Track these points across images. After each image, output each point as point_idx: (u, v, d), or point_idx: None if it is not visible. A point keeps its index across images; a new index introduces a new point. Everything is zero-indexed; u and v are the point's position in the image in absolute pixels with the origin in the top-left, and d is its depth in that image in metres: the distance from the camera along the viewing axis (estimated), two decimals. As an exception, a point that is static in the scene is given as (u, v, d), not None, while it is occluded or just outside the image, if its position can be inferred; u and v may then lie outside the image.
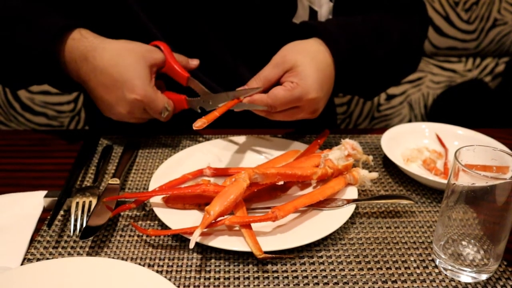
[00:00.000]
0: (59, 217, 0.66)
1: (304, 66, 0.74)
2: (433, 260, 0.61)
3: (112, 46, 0.76)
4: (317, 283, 0.57)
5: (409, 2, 0.95)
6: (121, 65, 0.74)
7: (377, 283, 0.57)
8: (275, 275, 0.58)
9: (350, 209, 0.65)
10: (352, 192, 0.69)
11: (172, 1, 0.83)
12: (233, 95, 0.75)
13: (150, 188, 0.69)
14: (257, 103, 0.73)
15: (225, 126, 0.88)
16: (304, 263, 0.59)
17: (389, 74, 0.93)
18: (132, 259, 0.60)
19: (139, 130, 0.87)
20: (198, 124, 0.66)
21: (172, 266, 0.59)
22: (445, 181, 0.68)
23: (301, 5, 0.86)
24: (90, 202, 0.66)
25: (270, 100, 0.72)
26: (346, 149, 0.72)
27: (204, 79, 0.86)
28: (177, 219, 0.63)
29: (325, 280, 0.57)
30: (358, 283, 0.57)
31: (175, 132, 0.88)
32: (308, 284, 0.56)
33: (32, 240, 0.62)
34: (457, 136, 0.84)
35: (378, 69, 0.87)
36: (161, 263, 0.59)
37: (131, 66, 0.74)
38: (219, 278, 0.57)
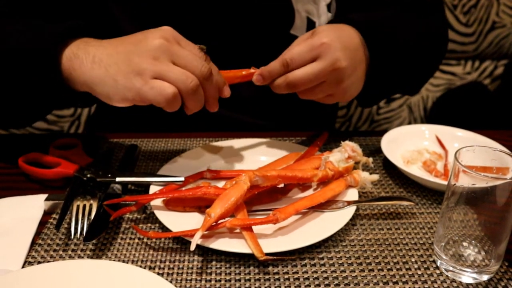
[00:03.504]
0: (60, 220, 0.66)
1: (323, 27, 0.72)
2: (434, 261, 0.61)
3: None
4: (318, 285, 0.57)
5: (424, 2, 0.90)
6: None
7: (378, 284, 0.57)
8: (276, 276, 0.58)
9: (350, 210, 0.65)
10: (352, 194, 0.69)
11: (165, 12, 0.82)
12: None
13: (151, 191, 0.69)
14: (271, 67, 0.69)
15: (225, 129, 0.88)
16: (305, 265, 0.59)
17: (420, 64, 0.87)
18: (133, 261, 0.60)
19: (139, 132, 0.87)
20: None
21: (173, 268, 0.59)
22: (445, 183, 0.68)
23: (299, 16, 0.86)
24: (91, 205, 0.66)
25: (285, 53, 0.69)
26: (346, 151, 0.72)
27: None
28: (178, 221, 0.63)
29: (326, 282, 0.57)
30: (359, 284, 0.57)
31: (175, 135, 0.88)
32: (309, 286, 0.56)
33: (33, 243, 0.62)
34: (457, 138, 0.84)
35: (407, 56, 0.82)
36: (162, 266, 0.59)
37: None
38: (220, 280, 0.57)
